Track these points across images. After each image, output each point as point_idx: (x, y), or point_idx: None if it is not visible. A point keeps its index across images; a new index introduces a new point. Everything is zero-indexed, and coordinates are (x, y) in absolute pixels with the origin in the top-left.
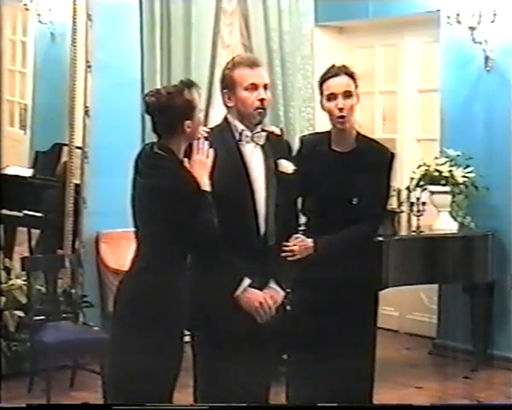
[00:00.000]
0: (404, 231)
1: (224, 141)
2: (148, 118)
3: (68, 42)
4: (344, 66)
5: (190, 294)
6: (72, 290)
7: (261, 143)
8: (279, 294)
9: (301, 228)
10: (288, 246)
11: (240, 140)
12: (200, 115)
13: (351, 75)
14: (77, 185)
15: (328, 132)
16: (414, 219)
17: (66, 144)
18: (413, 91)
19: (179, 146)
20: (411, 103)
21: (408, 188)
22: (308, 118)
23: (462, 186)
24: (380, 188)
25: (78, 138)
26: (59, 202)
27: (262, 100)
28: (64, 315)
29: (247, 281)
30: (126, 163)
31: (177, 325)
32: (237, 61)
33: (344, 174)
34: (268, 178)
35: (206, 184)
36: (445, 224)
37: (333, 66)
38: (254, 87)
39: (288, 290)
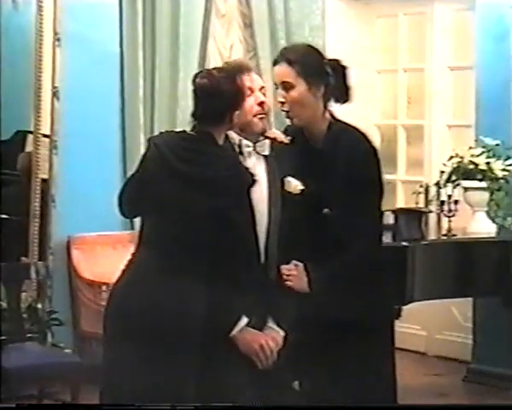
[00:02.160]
0: (432, 235)
1: None
2: (129, 99)
3: (33, 10)
4: (289, 48)
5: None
6: (39, 306)
7: (265, 153)
8: (280, 335)
9: None
10: (281, 270)
11: (241, 153)
12: (247, 104)
13: (291, 61)
14: (44, 181)
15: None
16: (445, 220)
17: (31, 132)
18: (443, 69)
19: (220, 135)
20: (441, 83)
21: (437, 184)
22: None
23: (501, 181)
24: (359, 193)
25: (46, 125)
26: (22, 201)
27: (262, 104)
28: (29, 335)
29: (244, 320)
30: (103, 154)
31: (190, 345)
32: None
33: (313, 176)
34: (271, 198)
35: None
36: (482, 226)
37: (283, 48)
38: (250, 91)
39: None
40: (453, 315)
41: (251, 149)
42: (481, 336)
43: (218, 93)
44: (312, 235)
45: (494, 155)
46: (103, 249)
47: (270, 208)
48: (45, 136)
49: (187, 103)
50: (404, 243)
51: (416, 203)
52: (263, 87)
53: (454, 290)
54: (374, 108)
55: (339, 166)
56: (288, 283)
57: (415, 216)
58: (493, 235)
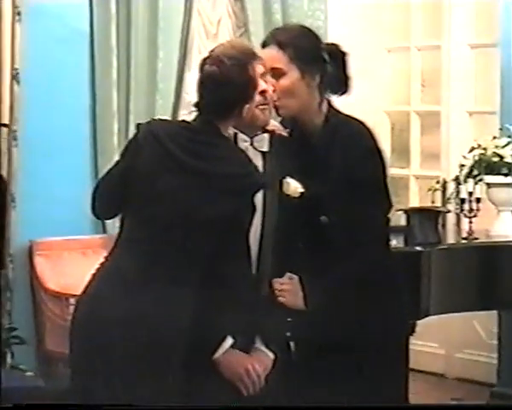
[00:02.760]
0: (451, 239)
1: None
2: (100, 83)
3: None
4: (281, 28)
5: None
6: None
7: (264, 149)
8: (269, 358)
9: None
10: (274, 284)
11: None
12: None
13: (282, 44)
14: (2, 177)
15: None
16: (465, 221)
17: (5, 125)
18: (463, 47)
19: (226, 129)
20: (461, 63)
21: (457, 179)
22: None
23: None
24: (360, 198)
25: (4, 113)
26: None
27: (264, 92)
28: None
29: (229, 341)
30: (71, 146)
31: (169, 365)
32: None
33: (309, 177)
34: (267, 202)
35: None
36: (508, 227)
37: (273, 29)
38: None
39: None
40: (475, 331)
41: (248, 144)
42: (508, 355)
43: (229, 83)
44: (309, 244)
45: None
46: (71, 256)
47: (265, 214)
48: (3, 125)
49: (167, 87)
50: (418, 248)
51: (432, 202)
52: (264, 73)
53: (476, 303)
54: (383, 92)
55: (336, 165)
56: (280, 298)
57: (430, 217)
58: None
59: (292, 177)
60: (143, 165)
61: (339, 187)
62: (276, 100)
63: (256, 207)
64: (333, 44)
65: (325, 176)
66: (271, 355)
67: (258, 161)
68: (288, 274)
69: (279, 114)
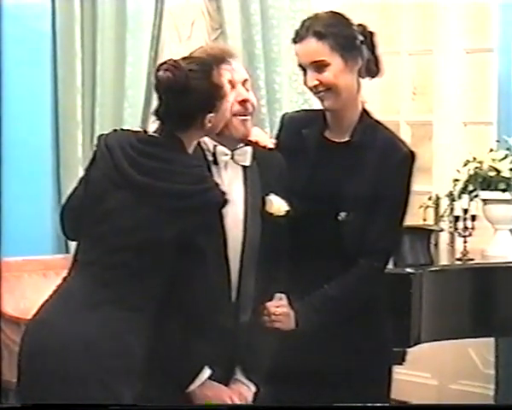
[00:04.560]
0: (444, 259)
1: None
2: (63, 88)
3: None
4: (314, 18)
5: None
6: None
7: (246, 163)
8: (249, 390)
9: None
10: (266, 309)
11: (215, 162)
12: (228, 104)
13: (321, 34)
14: None
15: (323, 111)
16: (459, 240)
17: None
18: (457, 52)
19: (191, 141)
20: (455, 69)
21: (450, 195)
22: (302, 90)
23: None
24: (385, 205)
25: None
26: None
27: (243, 102)
28: None
29: (206, 372)
30: (31, 159)
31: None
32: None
33: (331, 176)
34: (248, 222)
35: None
36: (506, 248)
37: (304, 20)
38: (231, 85)
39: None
40: (471, 360)
41: (228, 157)
42: (505, 385)
43: (185, 91)
44: (328, 239)
45: None
46: (31, 278)
47: (246, 234)
48: None
49: (136, 94)
50: (409, 270)
51: (424, 220)
52: (246, 80)
53: (471, 329)
54: (371, 100)
55: (369, 166)
56: (276, 324)
57: (422, 236)
58: None
59: (309, 172)
60: (94, 181)
61: (367, 187)
62: (324, 93)
63: (220, 227)
64: (361, 25)
65: (355, 173)
66: (252, 387)
67: (239, 177)
68: (278, 295)
69: (325, 108)
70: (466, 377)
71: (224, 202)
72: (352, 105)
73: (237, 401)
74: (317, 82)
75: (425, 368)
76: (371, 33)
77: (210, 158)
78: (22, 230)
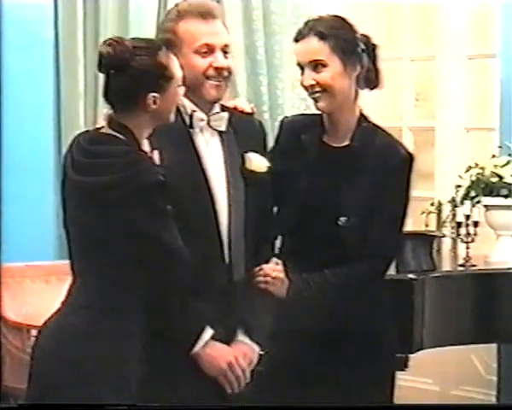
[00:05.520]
0: (446, 265)
1: (171, 128)
2: (66, 95)
3: None
4: (318, 19)
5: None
6: None
7: (222, 128)
8: (253, 350)
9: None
10: (262, 269)
11: (191, 126)
12: (180, 91)
13: (323, 35)
14: None
15: (321, 116)
16: (461, 246)
17: None
18: (460, 58)
19: (140, 128)
20: (457, 76)
21: (453, 201)
22: (304, 96)
23: None
24: (384, 208)
25: None
26: None
27: (219, 69)
28: None
29: (209, 332)
30: (33, 164)
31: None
32: (183, 8)
33: (331, 180)
34: (230, 180)
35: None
36: (508, 254)
37: (308, 20)
38: (209, 49)
39: (262, 347)
40: (473, 366)
41: (204, 122)
42: (507, 391)
43: (126, 66)
44: (327, 243)
45: None
46: (33, 284)
47: (230, 190)
48: None
49: None
50: (411, 276)
51: (426, 226)
52: (227, 45)
53: (474, 335)
54: (373, 106)
55: (368, 170)
56: (270, 288)
57: (424, 242)
58: None
59: (309, 177)
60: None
61: (367, 191)
62: (320, 94)
63: (205, 191)
64: (365, 35)
65: (354, 178)
66: (256, 348)
67: (216, 140)
68: (275, 260)
69: (318, 108)
70: (468, 383)
71: (158, 182)
72: (348, 110)
73: (241, 361)
74: (313, 82)
75: (427, 374)
76: (374, 45)
77: (187, 122)
78: (24, 235)
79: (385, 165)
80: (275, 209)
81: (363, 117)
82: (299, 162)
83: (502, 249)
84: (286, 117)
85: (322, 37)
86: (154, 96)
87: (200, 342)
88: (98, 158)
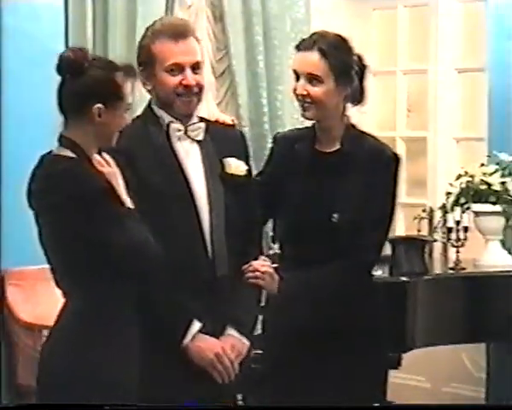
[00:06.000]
0: (437, 269)
1: (151, 137)
2: None
3: None
4: (323, 35)
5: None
6: None
7: (199, 138)
8: (242, 343)
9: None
10: (251, 265)
11: (168, 136)
12: (126, 115)
13: (325, 53)
14: None
15: (313, 127)
16: (452, 250)
17: None
18: (450, 71)
19: (87, 140)
20: (448, 88)
21: (443, 207)
22: None
23: None
24: (374, 203)
25: None
26: None
27: (188, 86)
28: None
29: (196, 324)
30: None
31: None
32: (157, 28)
33: (324, 182)
34: (210, 184)
35: (127, 200)
36: (496, 257)
37: (314, 33)
38: (179, 68)
39: (251, 340)
40: (463, 364)
41: (181, 132)
42: (496, 389)
43: (79, 72)
44: (322, 240)
45: (510, 174)
46: (45, 286)
47: (210, 193)
48: None
49: None
50: (404, 278)
51: (418, 231)
52: (197, 63)
53: (464, 335)
54: (368, 116)
55: (357, 170)
56: (259, 282)
57: (416, 246)
58: (509, 268)
59: (304, 180)
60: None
61: (356, 190)
62: (308, 105)
63: (187, 194)
64: (358, 56)
65: (343, 179)
66: (245, 340)
67: (194, 148)
68: (263, 257)
69: (304, 116)
70: (458, 381)
71: (102, 186)
72: (336, 120)
73: (229, 352)
74: (305, 92)
75: (419, 372)
76: (364, 66)
77: (164, 130)
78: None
79: (373, 165)
80: (273, 219)
81: (351, 125)
82: (294, 168)
83: (490, 253)
84: (278, 132)
85: (323, 54)
86: (99, 108)
87: (189, 335)
88: (42, 181)
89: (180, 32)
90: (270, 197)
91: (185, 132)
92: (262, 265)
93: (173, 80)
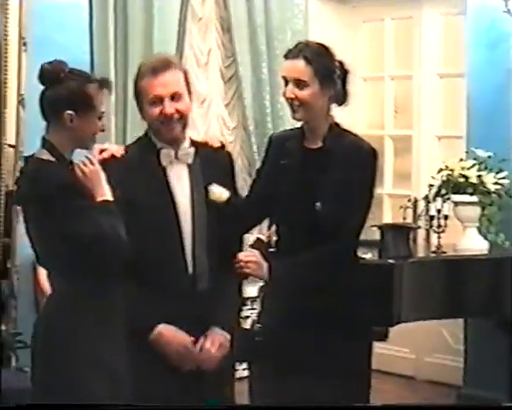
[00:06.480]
0: (421, 252)
1: (146, 162)
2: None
3: None
4: (307, 44)
5: None
6: (3, 327)
7: (189, 161)
8: (224, 337)
9: (272, 248)
10: (237, 257)
11: (159, 162)
12: (99, 123)
13: (309, 60)
14: (9, 193)
15: (302, 127)
16: (434, 236)
17: None
18: (432, 76)
19: (62, 143)
20: (430, 91)
21: (426, 198)
22: None
23: (494, 196)
24: (352, 192)
25: (11, 135)
26: None
27: (168, 115)
28: None
29: (161, 325)
30: None
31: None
32: (142, 69)
33: (309, 174)
34: (195, 207)
35: (105, 193)
36: (473, 242)
37: (300, 42)
38: (159, 99)
39: (231, 332)
40: (443, 337)
41: (172, 157)
42: (473, 359)
43: (56, 80)
44: (308, 226)
45: (486, 168)
46: None
47: (195, 215)
48: (10, 146)
49: None
50: (391, 261)
51: (404, 218)
52: (175, 93)
53: (444, 311)
54: (359, 117)
55: (338, 164)
56: (245, 270)
57: (402, 232)
58: (485, 252)
59: (290, 172)
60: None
61: (337, 181)
62: (297, 107)
63: (172, 213)
64: (340, 61)
65: (325, 171)
66: (227, 335)
67: (185, 171)
68: (249, 249)
69: (294, 117)
70: (439, 352)
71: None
72: (322, 119)
73: (208, 344)
74: (293, 96)
75: (405, 344)
76: (346, 70)
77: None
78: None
79: (352, 158)
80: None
81: (334, 124)
82: (285, 163)
83: (468, 239)
84: (273, 133)
85: (308, 61)
86: (70, 114)
87: (157, 329)
88: (21, 181)
89: (160, 67)
90: (267, 188)
91: (176, 157)
92: (246, 255)
93: (155, 111)
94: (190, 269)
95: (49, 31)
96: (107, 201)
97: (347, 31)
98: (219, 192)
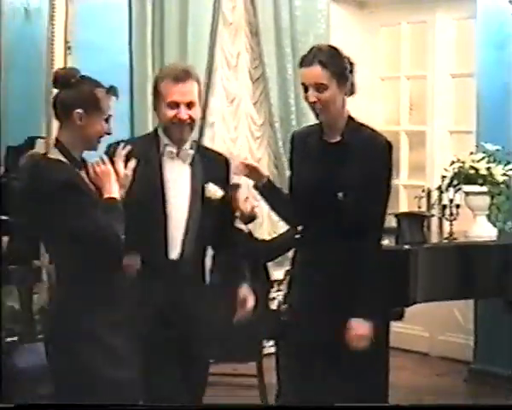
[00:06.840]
0: (434, 239)
1: (148, 153)
2: (138, 110)
3: (45, 19)
4: (319, 49)
5: None
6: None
7: (187, 161)
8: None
9: (296, 236)
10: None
11: (162, 155)
12: (105, 125)
13: (325, 63)
14: None
15: (321, 123)
16: (446, 224)
17: (42, 137)
18: (445, 76)
19: (72, 142)
20: (443, 90)
21: (439, 188)
22: None
23: (502, 186)
24: (371, 182)
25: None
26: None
27: (181, 120)
28: (40, 336)
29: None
30: None
31: None
32: (165, 71)
33: (329, 166)
34: (192, 201)
35: (112, 191)
36: (483, 230)
37: (311, 49)
38: (176, 104)
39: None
40: (455, 317)
41: (173, 155)
42: (482, 337)
43: (66, 85)
44: (330, 216)
45: (494, 161)
46: None
47: (191, 208)
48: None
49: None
50: (407, 247)
51: (419, 207)
52: (191, 102)
53: (456, 292)
54: (377, 114)
55: (357, 156)
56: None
57: (417, 220)
58: (494, 238)
59: (312, 165)
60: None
61: (357, 172)
62: (320, 108)
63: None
64: (347, 57)
65: (345, 163)
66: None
67: (186, 167)
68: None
69: (319, 120)
70: (451, 331)
71: (69, 180)
72: (340, 115)
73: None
74: (316, 99)
75: (419, 323)
76: (352, 63)
77: (161, 150)
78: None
79: (369, 151)
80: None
81: (351, 119)
82: (307, 157)
83: (478, 226)
84: (295, 131)
85: (323, 65)
86: (79, 113)
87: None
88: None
89: (181, 76)
90: (293, 186)
91: (177, 155)
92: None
93: (171, 113)
94: (175, 255)
95: (91, 35)
96: (111, 198)
97: (366, 34)
98: (214, 190)
